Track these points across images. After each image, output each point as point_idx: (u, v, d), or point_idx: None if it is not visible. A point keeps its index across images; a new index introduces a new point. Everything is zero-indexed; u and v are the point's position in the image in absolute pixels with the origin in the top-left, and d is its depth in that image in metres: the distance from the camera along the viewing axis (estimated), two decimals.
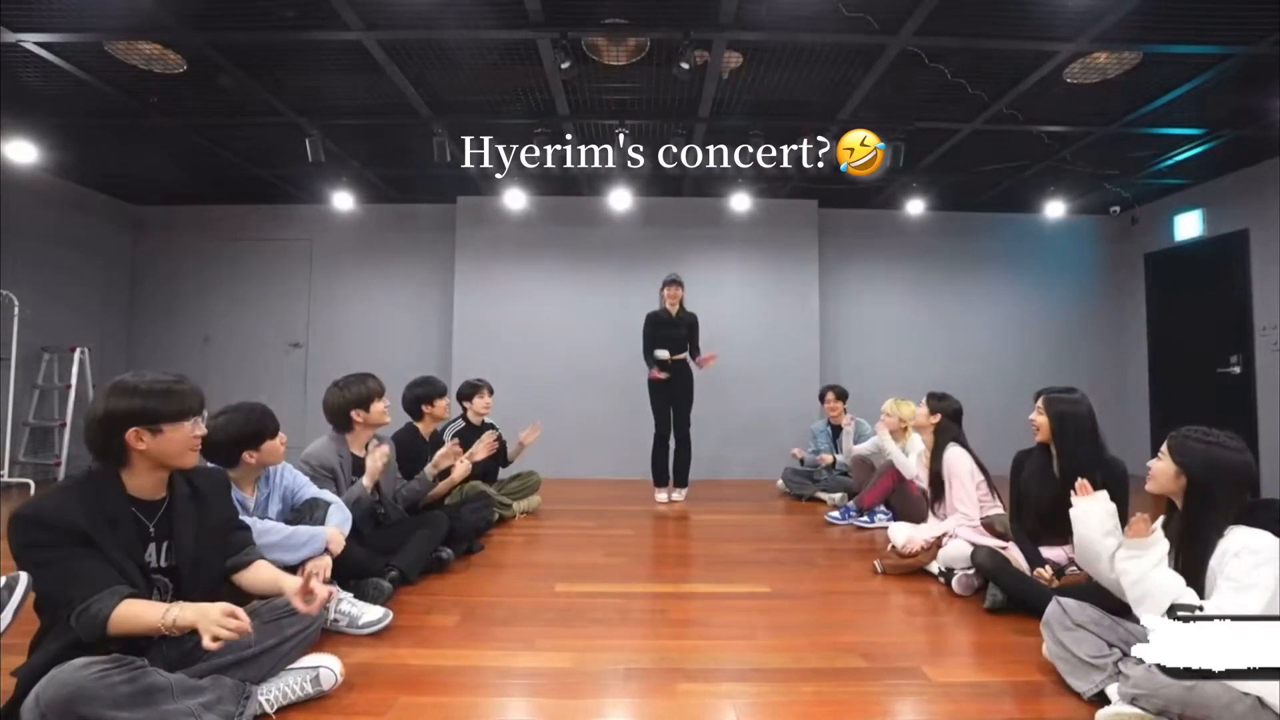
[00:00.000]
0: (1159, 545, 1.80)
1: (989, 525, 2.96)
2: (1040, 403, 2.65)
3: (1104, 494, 2.06)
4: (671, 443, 4.98)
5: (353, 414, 2.87)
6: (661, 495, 4.99)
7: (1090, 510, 2.04)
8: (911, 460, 4.02)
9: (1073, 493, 2.11)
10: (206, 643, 1.46)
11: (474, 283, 6.37)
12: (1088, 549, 2.01)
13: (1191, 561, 1.73)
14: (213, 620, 1.48)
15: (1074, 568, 2.52)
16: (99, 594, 1.46)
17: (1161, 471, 1.82)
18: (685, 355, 4.92)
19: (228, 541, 1.84)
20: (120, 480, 1.62)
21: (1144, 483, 1.90)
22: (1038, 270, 6.69)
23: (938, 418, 3.29)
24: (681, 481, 5.01)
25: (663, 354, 4.78)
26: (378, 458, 2.85)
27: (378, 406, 2.91)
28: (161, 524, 1.67)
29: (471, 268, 6.38)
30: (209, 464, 2.17)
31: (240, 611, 1.52)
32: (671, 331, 4.86)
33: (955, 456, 3.13)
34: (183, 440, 1.64)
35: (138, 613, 1.48)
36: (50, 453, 5.65)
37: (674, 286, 4.91)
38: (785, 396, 6.25)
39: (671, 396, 4.93)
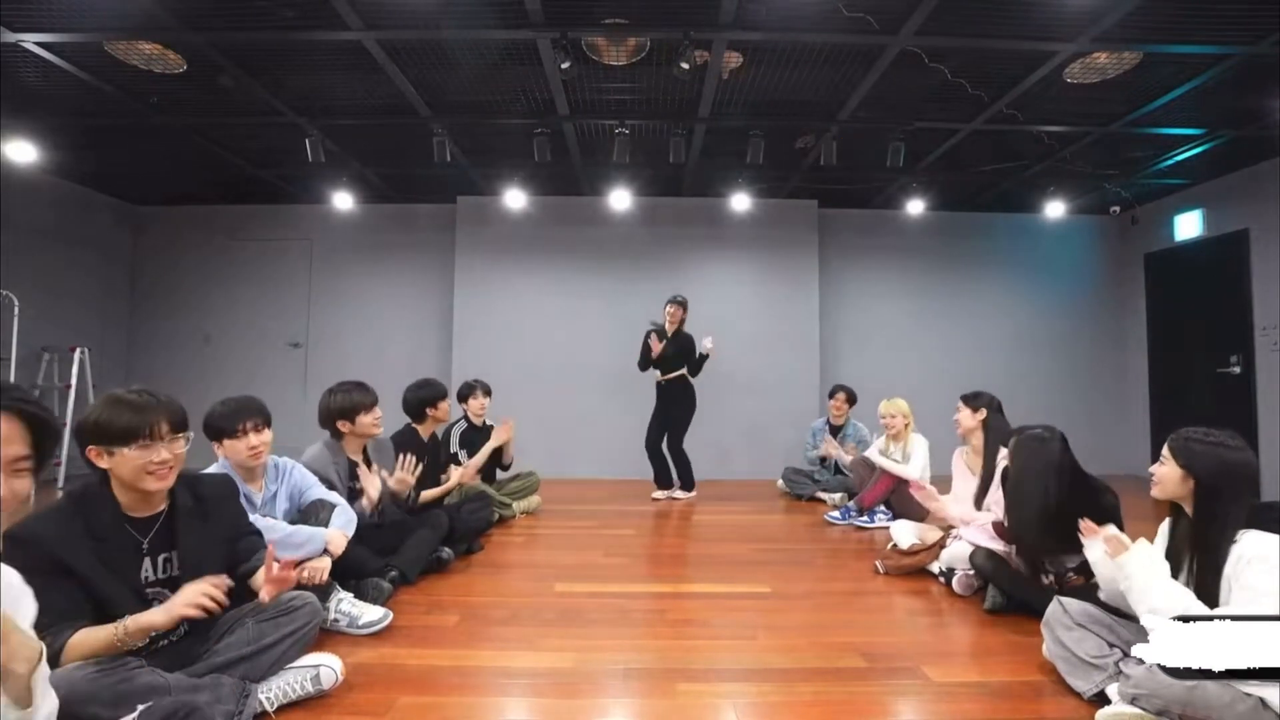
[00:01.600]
0: (1133, 557, 1.80)
1: (998, 525, 2.95)
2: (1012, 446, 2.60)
3: (1110, 528, 1.95)
4: (666, 454, 5.06)
5: (338, 424, 2.84)
6: (659, 494, 5.05)
7: (1097, 548, 1.95)
8: (914, 466, 4.01)
9: (1080, 535, 2.02)
10: (189, 611, 1.50)
11: (474, 283, 6.36)
12: (1111, 587, 1.91)
13: (1207, 566, 1.70)
14: (182, 602, 1.50)
15: (1072, 573, 2.52)
16: (57, 627, 1.42)
17: (1166, 476, 1.78)
18: (682, 373, 4.98)
19: (237, 550, 1.80)
20: (114, 495, 1.58)
21: (1146, 487, 1.89)
22: (1038, 270, 6.68)
23: (983, 413, 3.27)
24: (677, 485, 5.09)
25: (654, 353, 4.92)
26: (374, 483, 2.81)
27: (364, 419, 2.85)
28: (158, 538, 1.63)
29: (471, 268, 6.38)
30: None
31: (219, 582, 1.53)
32: (663, 348, 4.92)
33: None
34: (136, 463, 1.52)
35: (91, 639, 1.45)
36: None
37: (674, 307, 4.96)
38: (785, 396, 6.25)
39: (666, 414, 5.02)
